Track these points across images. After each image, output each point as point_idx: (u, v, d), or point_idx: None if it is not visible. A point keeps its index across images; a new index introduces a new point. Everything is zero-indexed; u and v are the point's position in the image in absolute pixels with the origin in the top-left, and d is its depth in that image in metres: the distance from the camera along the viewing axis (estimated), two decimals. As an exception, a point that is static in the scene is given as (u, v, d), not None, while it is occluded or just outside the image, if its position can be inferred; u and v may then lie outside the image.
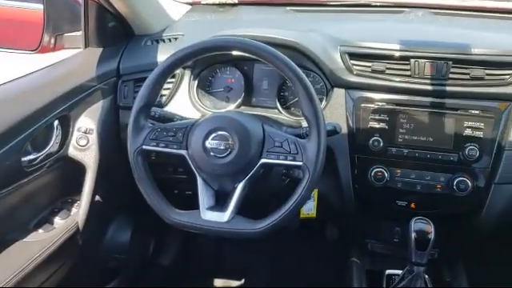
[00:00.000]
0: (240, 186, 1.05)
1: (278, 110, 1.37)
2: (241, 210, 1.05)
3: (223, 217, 1.04)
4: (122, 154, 1.15)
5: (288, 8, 1.68)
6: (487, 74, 1.20)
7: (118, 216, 1.64)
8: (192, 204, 1.09)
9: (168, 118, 1.19)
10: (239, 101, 1.39)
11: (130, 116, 1.09)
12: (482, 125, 1.20)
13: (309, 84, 1.04)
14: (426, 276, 1.20)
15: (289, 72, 1.04)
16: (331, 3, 1.66)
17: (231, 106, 1.39)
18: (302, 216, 1.34)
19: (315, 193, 1.33)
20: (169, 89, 1.39)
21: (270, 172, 1.17)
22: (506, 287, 1.50)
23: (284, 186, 1.24)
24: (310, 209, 1.34)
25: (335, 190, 1.33)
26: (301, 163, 1.02)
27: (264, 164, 1.05)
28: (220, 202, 1.08)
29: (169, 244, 1.96)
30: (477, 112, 1.21)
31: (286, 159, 1.03)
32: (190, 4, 1.74)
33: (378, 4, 1.63)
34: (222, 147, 1.04)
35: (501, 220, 1.24)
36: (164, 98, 1.39)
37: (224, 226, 1.03)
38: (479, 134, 1.20)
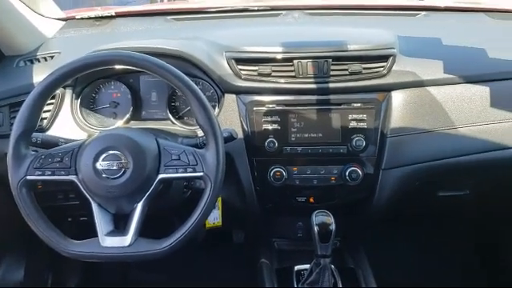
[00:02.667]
0: (139, 206, 1.00)
1: (171, 121, 1.34)
2: (143, 231, 1.00)
3: (125, 241, 0.98)
4: (3, 187, 1.04)
5: (168, 17, 1.65)
6: (364, 68, 1.27)
7: (6, 256, 1.48)
8: (89, 231, 1.02)
9: (52, 143, 1.09)
10: (128, 116, 1.33)
11: (8, 145, 0.99)
12: (364, 116, 1.27)
13: (199, 92, 1.02)
14: (333, 266, 1.25)
15: (177, 82, 1.02)
16: (210, 10, 1.67)
17: (120, 122, 1.33)
18: (208, 226, 1.32)
19: (219, 201, 1.33)
20: (49, 111, 1.29)
21: (170, 186, 1.14)
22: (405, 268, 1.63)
23: (186, 198, 1.21)
24: (215, 218, 1.33)
25: (238, 195, 1.34)
26: (201, 174, 1.00)
27: (163, 179, 1.01)
28: (120, 226, 1.02)
29: (69, 275, 1.83)
30: (359, 105, 1.28)
31: (185, 172, 1.01)
32: (64, 20, 1.64)
33: (255, 8, 1.68)
34: (114, 167, 0.98)
35: (391, 202, 1.34)
36: (45, 122, 1.28)
37: (127, 250, 0.98)
38: (363, 125, 1.28)
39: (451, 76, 1.30)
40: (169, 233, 1.01)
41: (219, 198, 1.33)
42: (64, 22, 1.63)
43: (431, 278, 1.89)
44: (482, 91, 1.30)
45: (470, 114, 1.29)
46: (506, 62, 1.33)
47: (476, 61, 1.35)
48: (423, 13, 1.68)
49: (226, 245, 1.81)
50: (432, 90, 1.30)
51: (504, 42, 1.44)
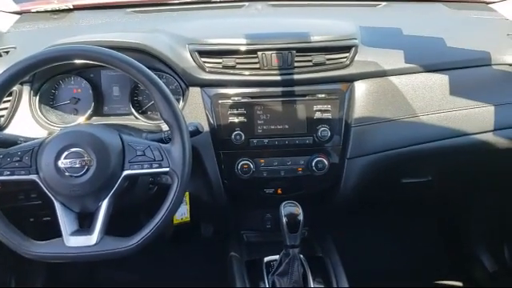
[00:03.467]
0: (104, 204, 0.98)
1: (134, 116, 1.31)
2: (109, 229, 0.98)
3: (91, 240, 0.96)
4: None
5: (128, 10, 1.62)
6: (327, 59, 1.28)
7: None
8: (53, 231, 0.99)
9: (10, 142, 1.05)
10: (89, 112, 1.30)
11: None
12: (329, 107, 1.29)
13: (163, 86, 1.01)
14: (301, 256, 1.26)
15: (140, 76, 1.00)
16: (172, 2, 1.64)
17: (81, 119, 1.30)
18: (175, 222, 1.31)
19: (186, 195, 1.32)
20: (6, 109, 1.24)
21: (136, 183, 1.12)
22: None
23: (153, 194, 1.20)
24: (183, 213, 1.32)
25: (206, 189, 1.33)
26: (168, 169, 0.99)
27: (128, 176, 0.99)
28: (84, 225, 1.00)
29: (34, 276, 1.78)
30: (323, 95, 1.29)
31: (151, 167, 0.99)
32: (19, 13, 1.57)
33: (218, 0, 1.66)
34: (77, 165, 0.96)
35: (356, 191, 1.36)
36: (2, 120, 1.23)
37: (93, 249, 0.96)
38: (328, 115, 1.29)
39: (412, 65, 1.32)
40: (136, 230, 0.99)
41: (186, 193, 1.32)
42: (19, 16, 1.57)
43: (397, 263, 1.94)
44: (442, 80, 1.33)
45: (430, 102, 1.33)
46: (463, 51, 1.37)
47: (435, 50, 1.39)
48: (383, 3, 1.71)
49: (195, 239, 1.80)
50: (394, 79, 1.32)
51: (460, 32, 1.48)
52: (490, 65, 1.36)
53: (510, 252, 1.83)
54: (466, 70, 1.36)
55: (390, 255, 1.96)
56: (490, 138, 1.34)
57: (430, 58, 1.35)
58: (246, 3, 1.64)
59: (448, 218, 2.06)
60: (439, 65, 1.35)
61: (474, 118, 1.33)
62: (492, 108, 1.33)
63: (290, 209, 1.19)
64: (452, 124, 1.33)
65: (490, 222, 1.92)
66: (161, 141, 1.09)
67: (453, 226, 2.05)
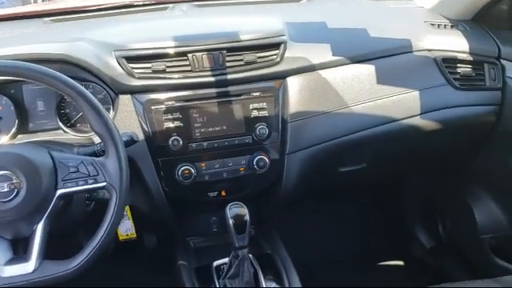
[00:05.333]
0: (40, 227, 0.92)
1: (63, 130, 1.24)
2: (48, 253, 0.92)
3: (28, 267, 0.90)
4: None
5: (45, 19, 1.53)
6: (258, 57, 1.28)
7: None
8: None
9: None
10: (13, 130, 1.21)
11: None
12: (265, 105, 1.29)
13: (91, 97, 0.96)
14: (251, 255, 1.26)
15: (65, 88, 0.95)
16: (91, 8, 1.57)
17: (5, 139, 1.20)
18: (122, 238, 1.26)
19: (127, 209, 1.27)
20: None
21: (71, 201, 1.06)
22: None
23: (90, 211, 1.14)
24: (128, 229, 1.27)
25: (146, 200, 1.29)
26: (104, 183, 0.94)
27: (62, 195, 0.94)
28: (20, 252, 0.93)
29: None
30: (258, 94, 1.29)
31: (86, 184, 0.94)
32: None
33: (141, 3, 1.61)
34: (5, 190, 0.89)
35: (298, 184, 1.37)
36: None
37: (31, 277, 0.90)
38: (264, 113, 1.29)
39: (339, 58, 1.36)
40: (77, 250, 0.94)
41: (127, 207, 1.27)
42: None
43: (342, 249, 2.00)
44: (369, 70, 1.38)
45: (359, 92, 1.37)
46: (385, 40, 1.43)
47: (359, 41, 1.43)
48: (305, -1, 1.75)
49: (140, 251, 1.74)
50: (323, 72, 1.35)
51: (381, 22, 1.54)
52: (411, 51, 1.42)
53: (443, 227, 1.94)
54: (389, 59, 1.41)
55: (335, 242, 2.02)
56: (417, 121, 1.41)
57: (356, 50, 1.39)
58: (170, 5, 1.61)
59: (385, 201, 2.15)
60: (365, 55, 1.39)
61: (402, 103, 1.39)
62: (417, 93, 1.40)
63: (236, 210, 1.18)
64: (382, 112, 1.38)
65: (422, 202, 2.03)
66: (94, 154, 1.04)
67: (390, 208, 2.15)
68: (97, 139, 1.12)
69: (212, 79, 1.26)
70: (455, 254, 1.87)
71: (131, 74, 1.23)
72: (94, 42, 1.26)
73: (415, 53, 1.42)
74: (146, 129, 1.24)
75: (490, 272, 1.19)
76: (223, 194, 1.33)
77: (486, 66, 1.44)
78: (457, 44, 1.45)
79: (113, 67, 1.22)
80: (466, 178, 1.74)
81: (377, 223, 2.16)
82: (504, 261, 1.63)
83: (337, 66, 1.36)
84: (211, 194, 1.33)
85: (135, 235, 1.30)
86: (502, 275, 1.14)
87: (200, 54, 1.24)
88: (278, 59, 1.30)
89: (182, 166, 1.26)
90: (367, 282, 1.78)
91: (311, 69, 1.33)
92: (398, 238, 2.12)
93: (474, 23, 1.53)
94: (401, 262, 1.99)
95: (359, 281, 1.82)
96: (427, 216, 2.00)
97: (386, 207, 2.16)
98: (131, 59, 1.22)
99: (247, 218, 1.18)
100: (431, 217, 1.97)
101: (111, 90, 1.24)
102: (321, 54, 1.34)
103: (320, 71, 1.34)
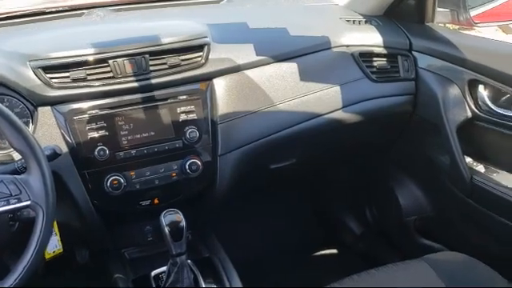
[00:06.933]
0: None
1: None
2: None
3: None
4: None
5: None
6: (182, 60, 1.27)
7: None
8: None
9: None
10: None
11: None
12: (193, 107, 1.28)
13: (7, 111, 0.90)
14: (189, 261, 1.25)
15: None
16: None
17: None
18: (48, 256, 1.19)
19: (55, 225, 1.20)
20: None
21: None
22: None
23: (15, 232, 1.07)
24: (54, 245, 1.20)
25: (75, 214, 1.23)
26: (29, 202, 0.89)
27: None
28: None
29: None
30: (185, 97, 1.28)
31: (8, 204, 0.88)
32: None
33: (54, 10, 1.53)
34: None
35: (232, 185, 1.38)
36: None
37: None
38: (193, 116, 1.28)
39: (263, 57, 1.38)
40: (4, 275, 0.88)
41: (54, 223, 1.20)
42: None
43: (278, 243, 2.04)
44: (291, 68, 1.41)
45: (285, 90, 1.40)
46: (305, 38, 1.47)
47: (281, 40, 1.46)
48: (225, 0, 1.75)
49: (72, 267, 1.66)
50: (249, 72, 1.36)
51: (300, 20, 1.58)
52: (330, 48, 1.48)
53: (370, 213, 2.04)
54: (311, 56, 1.45)
55: (272, 238, 2.05)
56: (339, 115, 1.46)
57: (278, 49, 1.42)
58: (85, 11, 1.54)
59: (315, 193, 2.22)
60: (287, 54, 1.42)
61: (325, 99, 1.44)
62: (338, 88, 1.45)
63: (171, 217, 1.16)
64: (307, 108, 1.42)
65: (349, 190, 2.12)
66: (15, 172, 0.97)
67: (321, 199, 2.22)
68: (17, 155, 1.06)
69: (136, 85, 1.23)
70: (383, 238, 1.97)
71: (49, 85, 1.16)
72: (6, 53, 1.18)
73: (334, 49, 1.48)
74: (70, 140, 1.18)
75: (416, 252, 1.26)
76: (156, 201, 1.30)
77: (399, 58, 1.53)
78: (371, 39, 1.52)
79: (29, 78, 1.15)
80: (389, 165, 1.84)
81: (309, 215, 2.22)
82: (429, 240, 1.74)
83: (261, 65, 1.38)
84: (144, 203, 1.29)
85: (62, 250, 1.23)
86: (428, 253, 1.22)
87: (121, 59, 1.20)
88: (203, 61, 1.29)
89: (110, 177, 1.22)
90: (304, 274, 1.83)
91: (236, 69, 1.34)
92: (330, 228, 2.19)
93: (385, 18, 1.62)
94: (334, 251, 2.07)
95: (297, 274, 1.86)
96: (355, 204, 2.09)
97: (316, 198, 2.22)
98: (48, 69, 1.16)
99: (183, 224, 1.16)
100: (359, 204, 2.07)
101: (29, 102, 1.17)
102: (245, 54, 1.35)
103: (245, 71, 1.36)
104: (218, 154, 1.32)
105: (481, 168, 1.45)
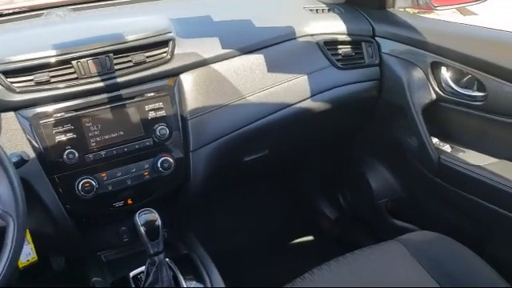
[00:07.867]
0: None
1: None
2: None
3: None
4: None
5: None
6: (148, 57, 1.25)
7: None
8: None
9: None
10: None
11: None
12: (161, 104, 1.26)
13: None
14: (168, 259, 1.24)
15: None
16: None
17: None
18: (22, 265, 1.16)
19: (27, 233, 1.17)
20: None
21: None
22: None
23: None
24: (28, 254, 1.17)
25: (47, 220, 1.21)
26: None
27: None
28: None
29: None
30: (152, 94, 1.26)
31: None
32: None
33: (11, 12, 1.49)
34: None
35: (206, 180, 1.38)
36: None
37: None
38: (162, 113, 1.26)
39: (229, 50, 1.37)
40: None
41: (27, 231, 1.17)
42: None
43: (257, 234, 2.05)
44: (258, 59, 1.41)
45: (253, 82, 1.40)
46: (271, 29, 1.47)
47: (246, 32, 1.46)
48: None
49: (48, 275, 1.63)
50: (216, 66, 1.35)
51: (264, 11, 1.59)
52: (295, 38, 1.48)
53: (344, 198, 2.08)
54: (277, 47, 1.45)
55: (250, 229, 2.06)
56: (308, 104, 1.48)
57: (244, 41, 1.42)
58: (45, 11, 1.50)
59: (289, 181, 2.24)
60: (253, 46, 1.42)
61: (293, 88, 1.45)
62: (305, 77, 1.46)
63: (146, 217, 1.15)
64: (276, 99, 1.43)
65: (322, 176, 2.15)
66: (-19, 181, 0.94)
67: (296, 188, 2.24)
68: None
69: (101, 84, 1.20)
70: (358, 222, 2.01)
71: (11, 89, 1.13)
72: None
73: (299, 39, 1.49)
74: (37, 145, 1.15)
75: (390, 233, 1.30)
76: (130, 202, 1.29)
77: (363, 44, 1.56)
78: (335, 27, 1.54)
79: None
80: (359, 149, 1.87)
81: (285, 204, 2.24)
82: (401, 221, 1.79)
83: (228, 58, 1.37)
84: (117, 204, 1.28)
85: (36, 258, 1.21)
86: (402, 234, 1.25)
87: (85, 59, 1.18)
88: (169, 57, 1.28)
89: (81, 180, 1.20)
90: (283, 263, 1.85)
91: (203, 63, 1.33)
92: (306, 216, 2.22)
93: (347, 6, 1.64)
94: (311, 238, 2.09)
95: (275, 262, 1.88)
96: (329, 190, 2.12)
97: (291, 187, 2.24)
98: (9, 73, 1.13)
99: (159, 222, 1.15)
100: (333, 190, 2.10)
101: None
102: (211, 47, 1.35)
103: (212, 65, 1.35)
104: (189, 150, 1.31)
105: (447, 148, 1.49)
